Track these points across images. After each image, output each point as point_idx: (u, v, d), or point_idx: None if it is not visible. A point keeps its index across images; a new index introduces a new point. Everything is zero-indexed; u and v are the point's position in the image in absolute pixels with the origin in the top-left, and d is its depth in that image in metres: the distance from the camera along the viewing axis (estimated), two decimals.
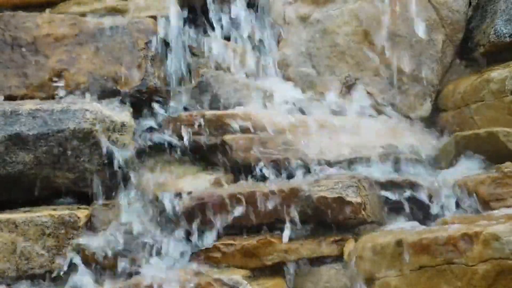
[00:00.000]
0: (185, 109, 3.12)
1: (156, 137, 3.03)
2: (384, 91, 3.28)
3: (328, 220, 2.74)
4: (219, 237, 2.77)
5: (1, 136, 2.78)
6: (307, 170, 2.96)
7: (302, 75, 3.28)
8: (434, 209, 2.81)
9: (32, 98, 3.00)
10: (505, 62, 3.13)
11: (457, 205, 2.78)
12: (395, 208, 2.85)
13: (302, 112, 3.19)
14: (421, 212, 2.84)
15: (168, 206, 2.82)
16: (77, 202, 2.86)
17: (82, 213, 2.77)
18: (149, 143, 3.02)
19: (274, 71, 3.31)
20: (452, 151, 3.01)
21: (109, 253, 2.71)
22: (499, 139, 2.83)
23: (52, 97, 3.01)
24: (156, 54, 3.11)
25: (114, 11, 3.18)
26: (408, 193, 2.85)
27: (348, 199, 2.72)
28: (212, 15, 3.30)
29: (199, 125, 2.99)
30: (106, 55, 3.06)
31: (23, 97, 3.00)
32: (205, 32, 3.32)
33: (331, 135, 3.07)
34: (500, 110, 3.03)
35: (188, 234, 2.80)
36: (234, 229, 2.77)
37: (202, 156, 3.02)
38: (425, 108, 3.30)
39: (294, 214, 2.75)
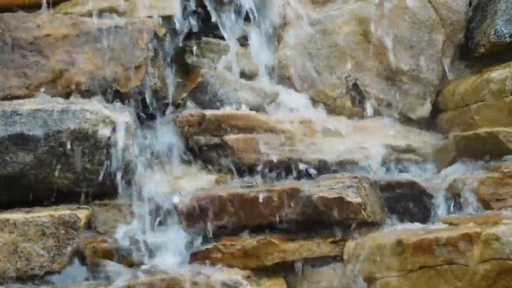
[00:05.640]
0: (185, 109, 3.12)
1: (156, 137, 3.03)
2: (384, 91, 3.28)
3: (328, 220, 2.74)
4: (219, 237, 2.78)
5: (1, 136, 2.78)
6: (307, 170, 2.96)
7: (302, 75, 3.28)
8: (434, 209, 2.81)
9: (32, 98, 3.00)
10: (505, 62, 3.13)
11: (457, 205, 2.78)
12: (395, 208, 2.86)
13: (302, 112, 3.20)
14: (421, 212, 2.84)
15: (168, 207, 2.83)
16: (77, 202, 2.85)
17: (82, 213, 2.77)
18: (149, 143, 3.02)
19: (274, 71, 3.31)
20: (452, 151, 3.01)
21: (110, 254, 2.72)
22: (499, 139, 2.83)
23: (52, 97, 3.00)
24: (157, 54, 3.11)
25: (114, 11, 3.18)
26: (408, 193, 2.85)
27: (348, 199, 2.72)
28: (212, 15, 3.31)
29: (199, 125, 3.00)
30: (106, 55, 3.06)
31: (23, 97, 2.99)
32: (205, 32, 3.31)
33: (331, 135, 3.07)
34: (500, 110, 3.03)
35: (188, 234, 2.80)
36: (234, 229, 2.78)
37: (202, 156, 3.02)
38: (425, 108, 3.30)
39: (294, 214, 2.75)
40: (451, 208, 2.79)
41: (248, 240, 2.74)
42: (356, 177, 2.79)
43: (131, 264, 2.73)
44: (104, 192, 2.87)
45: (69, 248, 2.71)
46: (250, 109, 3.11)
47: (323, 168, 2.97)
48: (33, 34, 3.07)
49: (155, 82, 3.08)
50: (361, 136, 3.11)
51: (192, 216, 2.78)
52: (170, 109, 3.11)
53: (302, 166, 2.96)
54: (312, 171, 2.96)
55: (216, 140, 2.99)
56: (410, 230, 2.63)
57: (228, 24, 3.30)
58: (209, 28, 3.31)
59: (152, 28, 3.11)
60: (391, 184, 2.87)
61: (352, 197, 2.72)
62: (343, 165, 3.00)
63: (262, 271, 2.73)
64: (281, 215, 2.75)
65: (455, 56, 3.37)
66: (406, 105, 3.29)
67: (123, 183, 2.87)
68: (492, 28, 3.20)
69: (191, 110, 3.09)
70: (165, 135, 3.03)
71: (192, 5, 3.25)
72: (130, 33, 3.10)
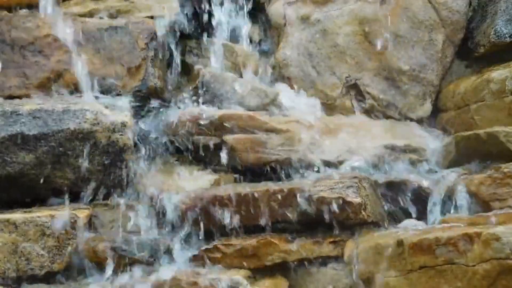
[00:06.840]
0: (185, 109, 3.12)
1: (156, 137, 3.03)
2: (384, 91, 3.28)
3: (328, 220, 2.74)
4: (219, 237, 2.78)
5: (1, 136, 2.78)
6: (307, 170, 2.96)
7: (302, 75, 3.28)
8: (434, 210, 2.81)
9: (32, 98, 3.00)
10: (505, 62, 3.14)
11: (457, 205, 2.78)
12: (395, 208, 2.86)
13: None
14: (421, 212, 2.84)
15: (168, 206, 2.83)
16: (77, 202, 2.85)
17: (82, 213, 2.77)
18: (149, 143, 3.02)
19: (274, 71, 3.32)
20: (452, 152, 3.01)
21: (110, 254, 2.72)
22: (499, 139, 2.83)
23: (52, 97, 3.01)
24: (157, 54, 3.11)
25: (114, 11, 3.18)
26: (408, 193, 2.85)
27: (349, 199, 2.72)
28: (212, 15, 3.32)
29: (199, 125, 3.00)
30: (106, 55, 3.06)
31: (23, 97, 3.00)
32: (205, 32, 3.32)
33: (331, 135, 3.07)
34: (501, 110, 3.03)
35: (188, 235, 2.80)
36: (234, 229, 2.77)
37: (202, 156, 3.02)
38: (425, 108, 3.30)
39: (294, 214, 2.75)
40: (451, 208, 2.79)
41: (248, 240, 2.74)
42: (356, 177, 2.79)
43: (131, 264, 2.73)
44: (104, 192, 2.87)
45: (69, 248, 2.71)
46: (250, 109, 3.11)
47: (323, 167, 2.97)
48: (33, 34, 3.07)
49: (155, 82, 3.08)
50: (361, 136, 3.11)
51: (192, 216, 2.78)
52: (170, 109, 3.11)
53: (302, 166, 2.96)
54: (312, 171, 2.96)
55: (216, 140, 2.99)
56: (410, 230, 2.63)
57: (228, 23, 3.31)
58: (209, 28, 3.32)
59: (152, 28, 3.11)
60: (391, 184, 2.87)
61: (352, 197, 2.72)
62: (343, 165, 3.00)
63: (262, 271, 2.73)
64: (281, 215, 2.75)
65: (455, 56, 3.37)
66: (406, 105, 3.29)
67: (123, 183, 2.87)
68: (492, 28, 3.21)
69: (191, 110, 3.09)
70: (165, 135, 3.03)
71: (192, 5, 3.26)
72: (130, 33, 3.10)
